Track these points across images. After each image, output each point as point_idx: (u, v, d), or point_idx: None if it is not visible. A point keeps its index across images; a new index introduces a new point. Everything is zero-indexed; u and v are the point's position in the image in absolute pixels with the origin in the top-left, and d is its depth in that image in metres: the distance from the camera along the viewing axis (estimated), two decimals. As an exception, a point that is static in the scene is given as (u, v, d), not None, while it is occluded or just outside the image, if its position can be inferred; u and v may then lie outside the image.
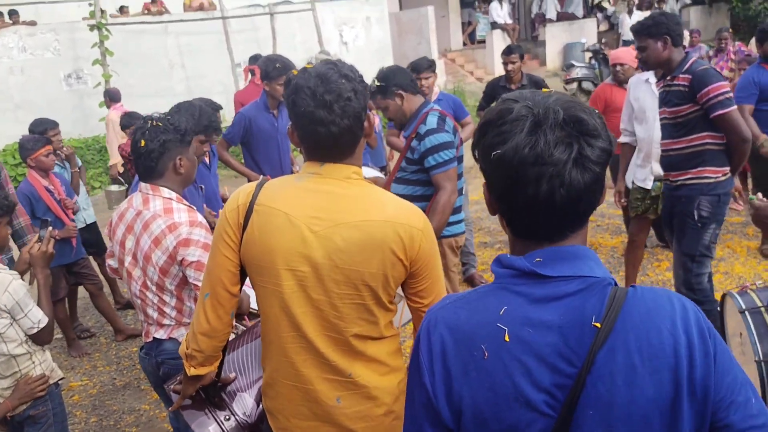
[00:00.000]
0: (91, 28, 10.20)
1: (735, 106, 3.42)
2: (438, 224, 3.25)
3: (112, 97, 8.49)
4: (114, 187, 8.24)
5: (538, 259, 1.09)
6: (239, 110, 4.92)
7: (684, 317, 1.04)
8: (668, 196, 3.78)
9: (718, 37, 8.92)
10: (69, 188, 4.99)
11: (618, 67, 5.28)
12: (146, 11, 12.39)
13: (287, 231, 1.68)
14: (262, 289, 1.76)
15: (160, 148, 2.43)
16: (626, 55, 5.33)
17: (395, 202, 1.73)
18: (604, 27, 17.41)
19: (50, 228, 2.81)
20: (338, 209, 1.66)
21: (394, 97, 3.41)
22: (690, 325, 1.03)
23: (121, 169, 7.69)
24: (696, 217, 3.56)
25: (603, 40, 16.20)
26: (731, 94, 3.41)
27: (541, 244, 1.11)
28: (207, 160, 3.90)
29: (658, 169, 4.24)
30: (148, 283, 2.46)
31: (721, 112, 3.37)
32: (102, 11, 10.26)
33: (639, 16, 15.57)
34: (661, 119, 3.69)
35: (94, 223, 5.51)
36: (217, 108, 4.17)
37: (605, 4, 17.96)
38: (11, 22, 11.16)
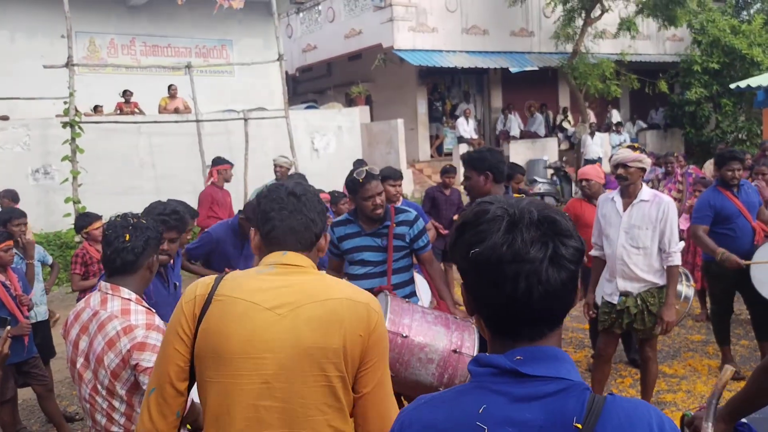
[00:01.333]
0: (64, 125, 10.28)
1: None
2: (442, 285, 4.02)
3: (12, 198, 8.01)
4: None
5: (518, 358, 1.09)
6: (208, 229, 4.98)
7: (661, 426, 1.06)
8: None
9: (665, 161, 9.39)
10: (26, 283, 4.85)
11: (584, 182, 5.52)
12: (119, 111, 12.59)
13: (250, 318, 1.68)
14: (214, 385, 1.68)
15: (143, 244, 2.44)
16: (592, 171, 5.60)
17: (353, 287, 1.84)
18: (564, 146, 18.20)
19: (8, 327, 2.71)
20: (299, 293, 1.72)
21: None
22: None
23: None
24: None
25: (564, 158, 16.89)
26: None
27: (519, 343, 1.12)
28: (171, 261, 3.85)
29: (623, 285, 4.32)
30: (99, 387, 2.34)
31: None
32: (76, 110, 10.37)
33: (599, 138, 16.37)
34: None
35: (46, 320, 5.32)
36: (195, 215, 4.20)
37: (566, 125, 18.84)
38: (-17, 116, 11.22)
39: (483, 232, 1.10)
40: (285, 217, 1.80)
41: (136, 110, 12.64)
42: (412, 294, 4.00)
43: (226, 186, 8.20)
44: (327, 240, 1.91)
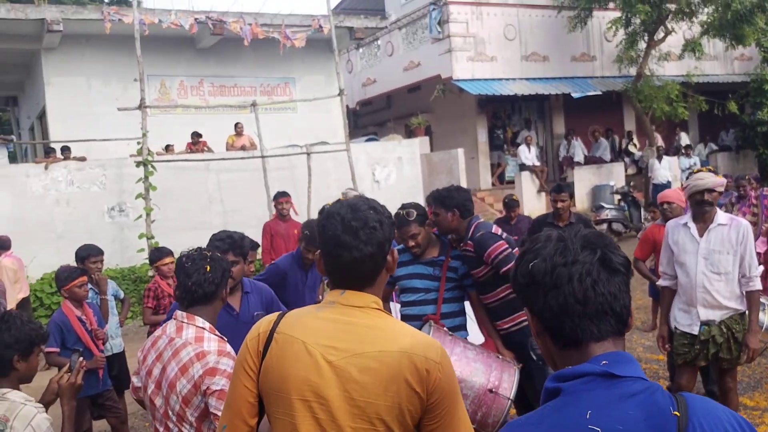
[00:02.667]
0: (138, 164, 10.73)
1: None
2: None
3: (2, 245, 8.19)
4: None
5: (604, 362, 1.19)
6: (275, 261, 5.11)
7: (736, 418, 1.19)
8: (506, 344, 4.01)
9: (737, 184, 9.05)
10: (101, 317, 5.04)
11: (665, 206, 5.36)
12: (189, 150, 13.05)
13: (303, 360, 1.67)
14: (277, 421, 1.71)
15: (221, 275, 2.59)
16: (673, 194, 5.44)
17: (413, 334, 1.72)
18: (632, 171, 17.76)
19: (81, 359, 2.82)
20: (355, 339, 1.67)
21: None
22: (742, 421, 1.19)
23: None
24: (535, 357, 3.84)
25: (632, 183, 16.47)
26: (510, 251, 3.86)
27: (591, 353, 1.22)
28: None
29: (705, 313, 4.13)
30: (170, 413, 2.42)
31: (507, 267, 3.73)
32: (149, 150, 10.83)
33: (667, 161, 15.92)
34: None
35: (122, 352, 5.50)
36: (255, 246, 4.32)
37: (632, 149, 18.41)
38: (63, 157, 11.83)
39: (538, 249, 1.28)
40: (340, 255, 1.72)
41: (205, 148, 13.08)
42: (462, 326, 4.07)
43: (296, 218, 8.41)
44: (395, 259, 1.83)
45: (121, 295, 5.97)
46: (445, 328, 3.76)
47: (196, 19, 12.93)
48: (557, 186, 6.06)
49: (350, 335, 1.68)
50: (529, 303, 1.29)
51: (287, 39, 13.34)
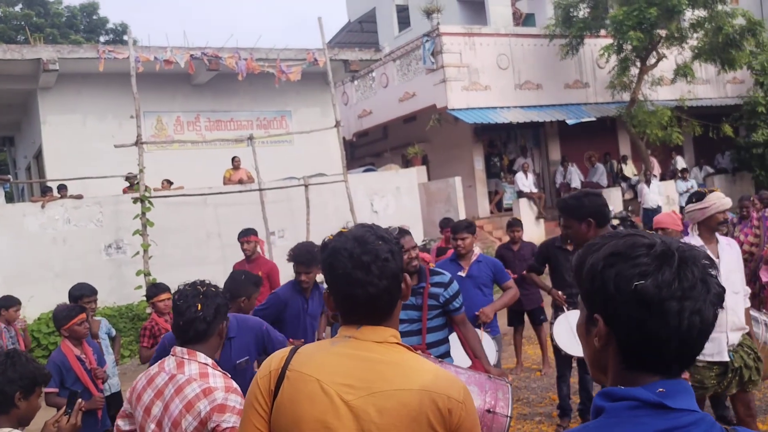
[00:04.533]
0: (135, 200, 10.70)
1: None
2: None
3: None
4: None
5: (661, 390, 1.11)
6: (275, 290, 5.06)
7: None
8: None
9: (740, 204, 8.97)
10: (101, 356, 4.95)
11: (660, 232, 5.29)
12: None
13: (318, 400, 1.57)
14: None
15: (214, 312, 2.50)
16: (668, 219, 5.40)
17: (434, 371, 1.61)
18: (629, 195, 17.79)
19: (80, 400, 2.74)
20: (373, 377, 1.57)
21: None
22: None
23: None
24: None
25: (630, 208, 16.48)
26: None
27: (659, 376, 1.14)
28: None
29: (732, 337, 3.99)
30: (173, 452, 2.32)
31: None
32: (146, 186, 10.80)
33: (656, 185, 15.94)
34: None
35: (119, 392, 5.40)
36: (259, 283, 4.30)
37: (627, 173, 18.47)
38: (59, 195, 11.79)
39: (646, 265, 1.11)
40: (353, 293, 1.62)
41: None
42: (447, 354, 4.05)
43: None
44: (409, 285, 1.73)
45: (113, 333, 5.89)
46: (432, 357, 3.67)
47: (191, 55, 13.00)
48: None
49: (367, 372, 1.58)
50: (609, 315, 1.15)
51: (282, 73, 13.41)
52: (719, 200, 4.08)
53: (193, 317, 2.46)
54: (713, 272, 1.14)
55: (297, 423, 1.59)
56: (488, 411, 3.20)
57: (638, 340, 1.13)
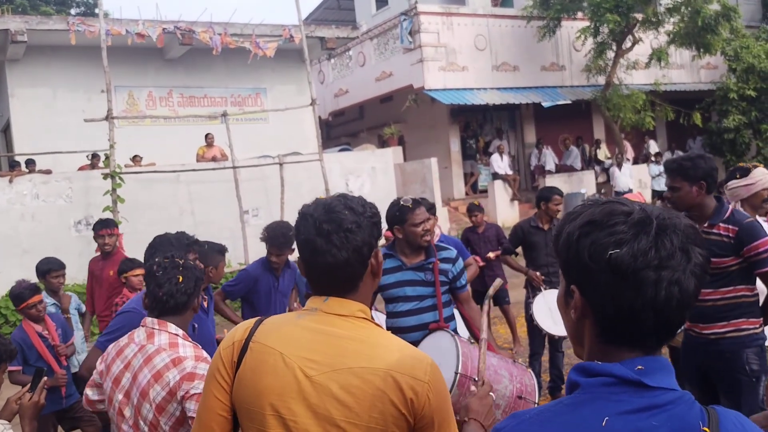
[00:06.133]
0: (105, 176, 10.51)
1: None
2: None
3: None
4: None
5: (639, 367, 1.08)
6: (245, 267, 5.02)
7: None
8: (700, 351, 3.43)
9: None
10: (65, 330, 4.87)
11: None
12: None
13: (280, 373, 1.54)
14: None
15: (194, 285, 2.51)
16: (632, 200, 5.36)
17: (401, 350, 1.57)
18: (602, 178, 17.96)
19: (44, 378, 2.69)
20: (337, 353, 1.53)
21: None
22: None
23: None
24: (749, 372, 3.28)
25: (602, 191, 16.66)
26: None
27: (637, 352, 1.10)
28: (204, 304, 3.85)
29: None
30: (141, 422, 2.31)
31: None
32: (117, 165, 10.62)
33: (628, 169, 16.11)
34: None
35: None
36: (223, 250, 4.23)
37: (601, 157, 18.63)
38: (27, 170, 11.54)
39: (622, 233, 1.07)
40: (315, 260, 1.60)
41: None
42: (455, 330, 3.92)
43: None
44: (380, 262, 1.68)
45: (83, 309, 5.80)
46: (461, 337, 3.56)
47: (164, 29, 12.74)
48: (551, 189, 5.71)
49: (332, 348, 1.54)
50: (585, 285, 1.11)
51: (258, 48, 13.22)
52: (765, 176, 3.89)
53: (174, 289, 2.45)
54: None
55: (258, 396, 1.56)
56: (519, 397, 3.18)
57: (614, 312, 1.09)
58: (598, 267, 1.08)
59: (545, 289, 5.39)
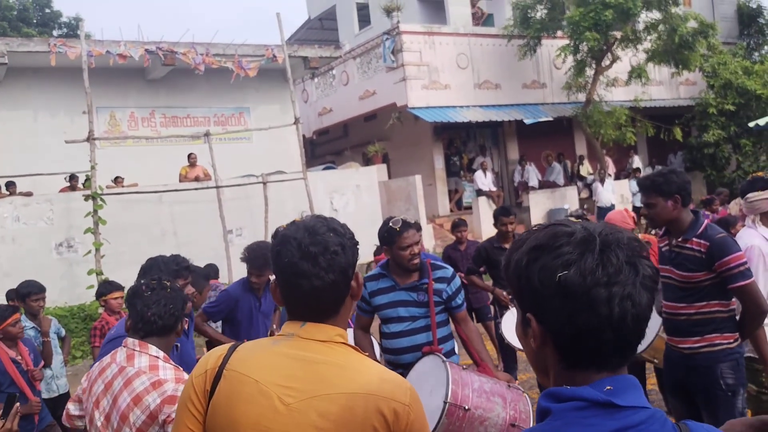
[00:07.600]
0: (86, 197, 10.42)
1: (753, 278, 3.26)
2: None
3: None
4: None
5: (608, 388, 1.06)
6: (226, 288, 5.00)
7: None
8: (680, 365, 3.42)
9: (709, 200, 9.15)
10: (37, 355, 4.78)
11: None
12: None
13: (256, 402, 1.50)
14: None
15: (182, 308, 2.50)
16: (617, 217, 5.41)
17: (380, 374, 1.55)
18: (585, 194, 18.08)
19: (17, 404, 2.64)
20: (316, 379, 1.50)
21: None
22: None
23: None
24: (724, 387, 3.27)
25: (585, 206, 16.77)
26: (748, 265, 3.27)
27: (602, 373, 1.08)
28: (185, 326, 3.80)
29: None
30: (121, 446, 2.26)
31: (742, 283, 3.19)
32: (99, 186, 10.54)
33: (610, 184, 16.25)
34: (664, 278, 3.44)
35: (68, 393, 5.25)
36: (209, 276, 4.21)
37: (583, 173, 18.77)
38: (8, 193, 11.42)
39: (568, 254, 1.06)
40: (299, 284, 1.56)
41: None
42: (453, 351, 3.87)
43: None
44: (360, 284, 1.65)
45: (63, 333, 5.72)
46: (449, 361, 3.47)
47: (146, 49, 12.73)
48: (504, 209, 5.98)
49: (310, 374, 1.50)
50: (539, 311, 1.09)
51: (241, 68, 13.24)
52: None
53: (163, 310, 2.43)
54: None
55: (233, 425, 1.52)
56: (512, 425, 3.11)
57: (573, 335, 1.07)
58: (549, 291, 1.06)
59: (512, 306, 5.42)
